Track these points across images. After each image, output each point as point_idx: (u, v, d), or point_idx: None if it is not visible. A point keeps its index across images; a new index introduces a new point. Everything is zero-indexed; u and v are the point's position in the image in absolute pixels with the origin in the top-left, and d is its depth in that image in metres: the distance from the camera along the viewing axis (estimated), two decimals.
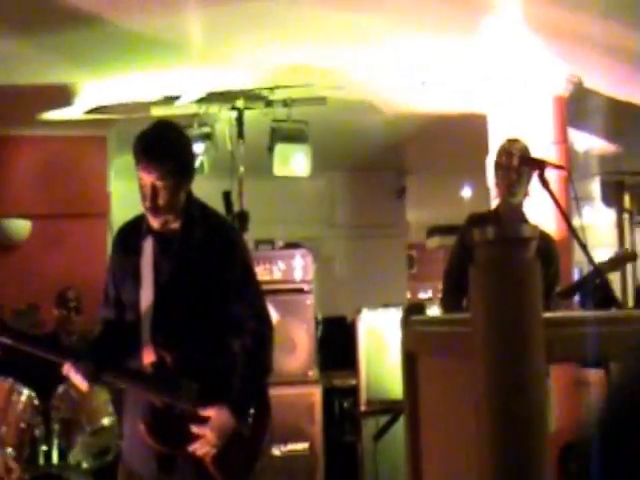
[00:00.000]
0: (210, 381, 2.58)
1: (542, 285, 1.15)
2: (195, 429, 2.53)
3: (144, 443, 2.55)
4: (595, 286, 2.84)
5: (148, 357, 2.57)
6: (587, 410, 4.57)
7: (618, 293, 8.92)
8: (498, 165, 3.60)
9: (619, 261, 3.48)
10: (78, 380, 2.54)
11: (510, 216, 3.55)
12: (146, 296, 2.61)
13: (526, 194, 3.56)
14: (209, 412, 2.54)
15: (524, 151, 3.48)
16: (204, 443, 2.53)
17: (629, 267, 8.75)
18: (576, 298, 3.66)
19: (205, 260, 2.65)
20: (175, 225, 2.65)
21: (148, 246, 2.65)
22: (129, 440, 2.73)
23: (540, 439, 1.02)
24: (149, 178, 2.52)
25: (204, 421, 2.54)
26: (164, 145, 2.59)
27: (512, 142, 3.62)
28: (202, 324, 2.64)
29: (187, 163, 2.67)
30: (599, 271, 2.95)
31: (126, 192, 6.61)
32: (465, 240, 3.54)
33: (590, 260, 2.77)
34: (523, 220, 3.55)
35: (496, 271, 1.15)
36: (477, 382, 1.06)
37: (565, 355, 1.21)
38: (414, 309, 1.64)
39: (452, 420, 1.30)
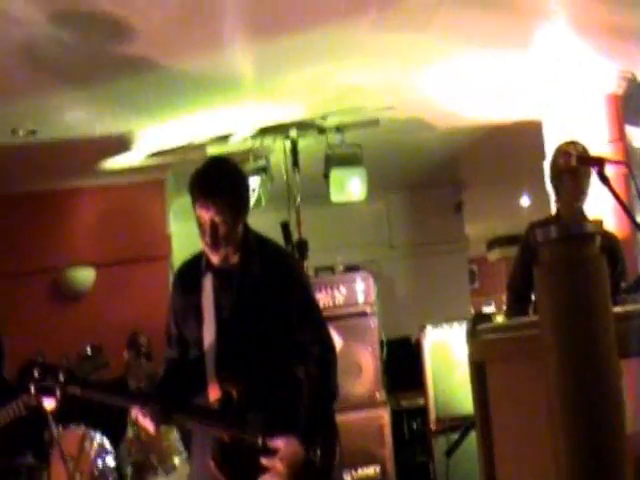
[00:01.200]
0: (277, 411, 2.58)
1: (609, 283, 1.13)
2: (264, 461, 2.52)
3: (214, 479, 2.56)
4: None
5: (214, 394, 2.59)
6: None
7: None
8: (557, 168, 3.54)
9: None
10: (146, 424, 2.57)
11: (572, 217, 3.48)
12: (209, 333, 2.63)
13: (586, 195, 3.52)
14: (278, 443, 2.53)
15: (583, 152, 3.43)
16: (274, 474, 2.52)
17: None
18: None
19: (265, 292, 2.67)
20: (234, 259, 2.67)
21: (208, 283, 2.67)
22: (198, 477, 2.73)
23: (619, 440, 1.00)
24: (207, 214, 2.56)
25: (273, 453, 2.53)
26: (219, 180, 2.63)
27: (570, 144, 3.56)
28: (266, 356, 2.65)
29: (243, 197, 2.70)
30: None
31: (186, 233, 6.72)
32: (528, 246, 3.49)
33: None
34: (585, 219, 3.49)
35: (561, 269, 1.13)
36: (549, 384, 1.04)
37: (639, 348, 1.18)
38: (480, 319, 1.62)
39: (525, 426, 1.28)
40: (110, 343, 5.85)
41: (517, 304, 3.56)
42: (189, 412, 2.67)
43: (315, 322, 2.75)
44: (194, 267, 2.73)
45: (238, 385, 2.58)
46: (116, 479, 4.65)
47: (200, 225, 2.60)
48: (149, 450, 4.63)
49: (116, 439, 4.75)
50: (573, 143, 3.57)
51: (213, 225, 2.56)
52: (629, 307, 1.17)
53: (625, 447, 0.99)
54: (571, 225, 1.17)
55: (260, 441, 2.54)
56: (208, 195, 2.57)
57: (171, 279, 6.49)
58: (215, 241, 2.58)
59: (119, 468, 4.67)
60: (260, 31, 4.58)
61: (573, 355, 1.05)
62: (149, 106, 5.57)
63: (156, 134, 6.11)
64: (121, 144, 6.22)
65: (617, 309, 1.10)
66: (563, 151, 3.52)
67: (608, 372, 1.03)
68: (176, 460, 4.65)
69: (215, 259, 2.64)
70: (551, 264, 1.17)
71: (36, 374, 2.63)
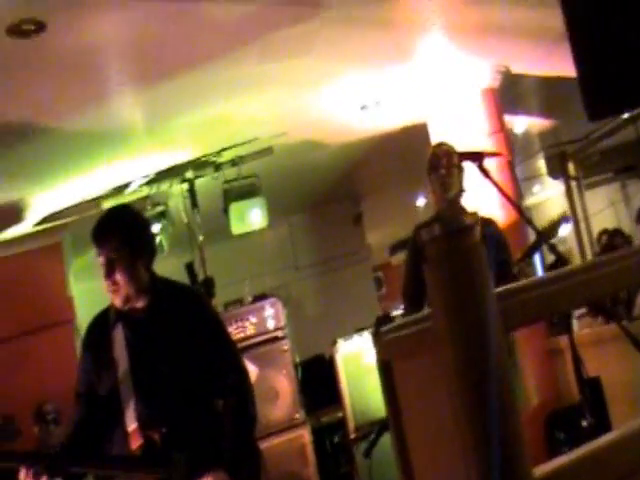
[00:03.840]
0: (201, 448, 2.59)
1: (493, 267, 1.21)
2: None
3: None
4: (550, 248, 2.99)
5: (135, 442, 2.57)
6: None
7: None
8: (428, 170, 3.79)
9: (555, 224, 3.69)
10: None
11: (450, 212, 3.70)
12: (125, 383, 2.63)
13: (461, 189, 3.74)
14: (207, 478, 2.53)
15: (450, 151, 3.71)
16: None
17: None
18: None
19: (177, 332, 2.69)
20: (140, 304, 2.70)
21: (119, 333, 2.68)
22: None
23: (508, 404, 1.08)
24: (103, 254, 2.61)
25: None
26: (110, 220, 2.72)
27: (437, 146, 3.89)
28: (184, 394, 2.66)
29: (138, 235, 2.74)
30: (542, 235, 3.27)
31: (88, 293, 6.57)
32: (415, 250, 3.78)
33: (534, 228, 3.17)
34: (463, 212, 3.67)
35: (445, 262, 1.21)
36: (446, 370, 1.11)
37: (522, 319, 1.29)
38: (383, 320, 1.68)
39: (432, 415, 1.35)
40: (18, 416, 5.68)
41: (413, 308, 3.69)
42: (97, 462, 2.60)
43: (229, 354, 2.80)
44: (102, 321, 2.75)
45: (160, 429, 2.57)
46: None
47: (102, 269, 2.62)
48: None
49: None
50: (441, 144, 3.89)
51: (108, 262, 2.61)
52: (510, 285, 1.27)
53: (519, 419, 1.08)
54: (451, 221, 1.25)
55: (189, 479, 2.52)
56: (100, 234, 2.65)
57: (77, 342, 6.29)
58: (114, 281, 2.61)
59: None
60: (144, 79, 4.59)
61: (463, 338, 1.13)
62: (37, 171, 5.48)
63: (50, 197, 6.01)
64: (14, 213, 6.09)
65: (499, 289, 1.19)
66: (433, 154, 3.79)
67: (495, 347, 1.12)
68: None
69: (117, 301, 2.65)
70: (437, 259, 1.24)
71: None
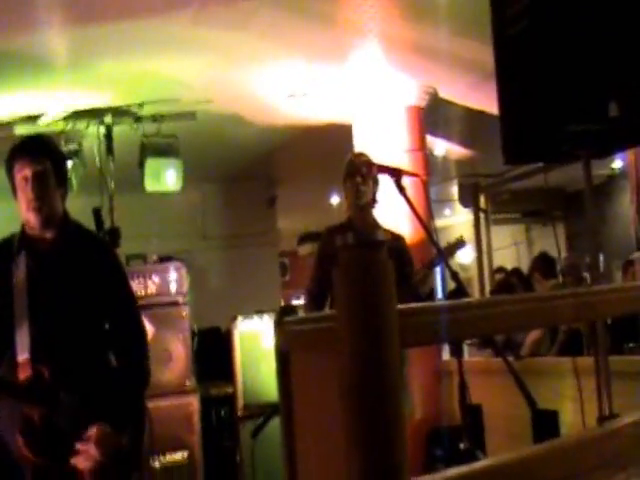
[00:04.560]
0: (89, 395, 2.62)
1: (396, 278, 1.34)
2: (79, 445, 2.56)
3: (20, 457, 2.55)
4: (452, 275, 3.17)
5: (24, 373, 2.56)
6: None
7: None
8: (345, 177, 3.96)
9: (452, 247, 4.09)
10: None
11: (363, 222, 3.92)
12: (20, 314, 2.61)
13: (375, 200, 3.94)
14: (92, 428, 2.57)
15: (367, 162, 3.88)
16: (87, 458, 2.56)
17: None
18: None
19: (81, 271, 2.70)
20: (50, 235, 2.70)
21: (21, 262, 2.66)
22: (3, 458, 2.66)
23: (395, 413, 1.20)
24: (32, 168, 2.61)
25: (87, 437, 2.57)
26: (45, 142, 2.78)
27: (357, 155, 4.09)
28: (80, 337, 2.67)
29: (63, 165, 2.80)
30: (442, 253, 3.56)
31: None
32: (325, 249, 3.96)
33: (437, 248, 3.44)
34: (375, 225, 3.93)
35: (356, 270, 1.32)
36: (341, 370, 1.23)
37: (418, 339, 1.43)
38: (287, 311, 1.79)
39: (322, 408, 1.45)
40: None
41: (313, 305, 3.92)
42: None
43: (130, 308, 2.84)
44: (4, 250, 2.71)
45: (51, 365, 2.57)
46: None
47: (22, 188, 2.62)
48: None
49: None
50: (360, 154, 4.09)
51: (38, 176, 2.61)
52: (413, 305, 1.40)
53: (404, 430, 1.21)
54: (365, 233, 1.37)
55: (72, 422, 2.56)
56: (34, 148, 2.67)
57: None
58: (40, 196, 2.61)
59: None
60: (76, 16, 4.51)
61: (362, 343, 1.25)
62: None
63: None
64: None
65: (400, 306, 1.31)
66: (351, 163, 3.96)
67: (390, 359, 1.24)
68: None
69: (37, 220, 2.64)
70: (347, 266, 1.34)
71: None
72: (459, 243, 4.11)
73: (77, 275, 2.70)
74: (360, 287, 1.30)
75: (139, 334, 2.83)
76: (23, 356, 2.57)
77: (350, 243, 1.35)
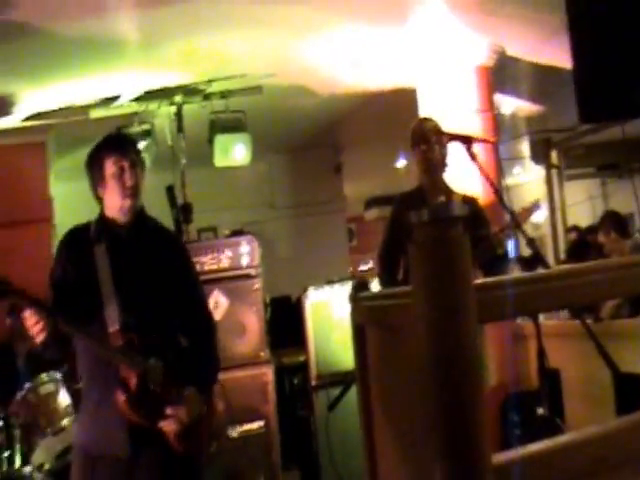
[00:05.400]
0: (173, 363, 2.76)
1: (471, 241, 1.34)
2: (170, 409, 2.69)
3: (117, 418, 2.67)
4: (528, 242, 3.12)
5: (116, 341, 2.69)
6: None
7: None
8: (413, 143, 3.91)
9: (527, 211, 3.85)
10: (35, 329, 2.58)
11: (435, 191, 3.86)
12: (107, 290, 2.74)
13: (445, 164, 3.89)
14: (185, 390, 2.72)
15: (434, 128, 3.82)
16: (175, 421, 2.69)
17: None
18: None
19: (155, 258, 2.87)
20: (128, 221, 2.86)
21: (103, 247, 2.80)
22: (94, 422, 2.77)
23: (476, 388, 1.23)
24: (126, 161, 2.80)
25: (176, 399, 2.71)
26: (126, 137, 3.27)
27: (424, 121, 3.98)
28: (158, 314, 2.81)
29: (141, 159, 2.96)
30: (515, 219, 3.43)
31: (67, 195, 6.62)
32: (397, 216, 3.93)
33: (510, 213, 3.37)
34: (447, 190, 3.87)
35: (431, 248, 1.33)
36: (418, 347, 1.26)
37: (495, 315, 1.44)
38: (360, 286, 1.83)
39: (397, 385, 1.49)
40: None
41: (388, 270, 3.89)
42: (87, 332, 2.70)
43: (200, 298, 3.03)
44: (84, 235, 2.85)
45: (139, 336, 2.72)
46: (4, 441, 4.66)
47: (117, 177, 2.77)
48: (37, 412, 4.66)
49: (4, 401, 4.75)
50: (427, 119, 3.98)
51: (133, 166, 2.80)
52: (489, 280, 1.40)
53: (481, 400, 1.23)
54: (439, 208, 1.36)
55: (161, 385, 2.69)
56: (122, 145, 2.87)
57: (55, 241, 6.37)
58: (136, 182, 2.80)
59: (7, 430, 4.68)
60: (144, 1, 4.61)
61: (440, 321, 1.28)
62: (32, 70, 5.48)
63: (38, 97, 6.00)
64: (4, 105, 6.07)
65: (477, 281, 1.33)
66: (419, 129, 3.89)
67: (468, 334, 1.27)
68: (65, 422, 4.68)
69: (131, 205, 2.80)
70: (423, 244, 1.35)
71: None
72: (534, 206, 4.01)
73: (152, 261, 2.85)
74: (436, 265, 1.31)
75: (209, 316, 3.02)
76: (114, 327, 2.70)
77: (425, 220, 1.35)
